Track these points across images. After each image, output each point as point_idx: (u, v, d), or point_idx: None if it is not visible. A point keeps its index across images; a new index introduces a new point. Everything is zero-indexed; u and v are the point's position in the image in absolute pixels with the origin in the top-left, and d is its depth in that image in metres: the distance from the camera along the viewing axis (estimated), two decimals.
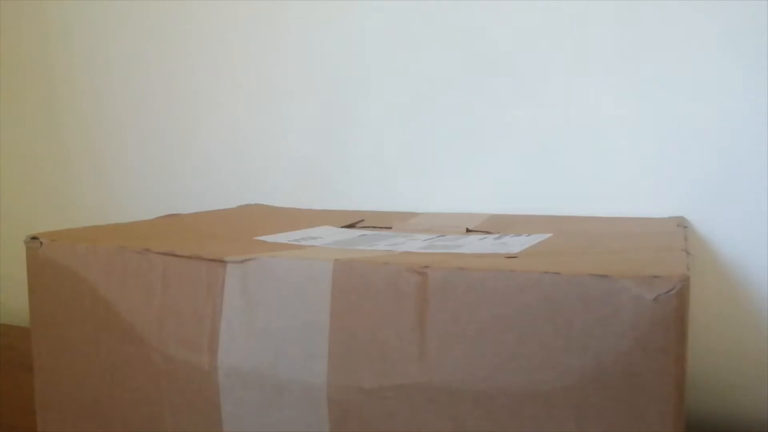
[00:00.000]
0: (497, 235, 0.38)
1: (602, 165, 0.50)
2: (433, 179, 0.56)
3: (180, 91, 0.65)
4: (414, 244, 0.35)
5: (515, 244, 0.34)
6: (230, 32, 0.62)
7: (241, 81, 0.62)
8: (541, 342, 0.24)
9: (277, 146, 0.61)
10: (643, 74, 0.48)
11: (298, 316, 0.29)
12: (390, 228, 0.44)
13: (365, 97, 0.57)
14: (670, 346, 0.22)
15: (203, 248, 0.33)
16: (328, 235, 0.39)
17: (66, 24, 0.68)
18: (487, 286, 0.25)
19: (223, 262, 0.31)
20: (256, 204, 0.60)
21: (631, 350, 0.23)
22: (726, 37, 0.46)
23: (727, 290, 0.47)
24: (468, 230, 0.42)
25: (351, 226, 0.46)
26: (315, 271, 0.28)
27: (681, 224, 0.41)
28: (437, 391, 0.26)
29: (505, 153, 0.53)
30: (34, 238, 0.36)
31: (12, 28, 0.70)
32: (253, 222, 0.47)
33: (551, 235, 0.37)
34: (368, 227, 0.45)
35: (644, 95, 0.48)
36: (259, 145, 0.62)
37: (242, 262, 0.30)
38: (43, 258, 0.36)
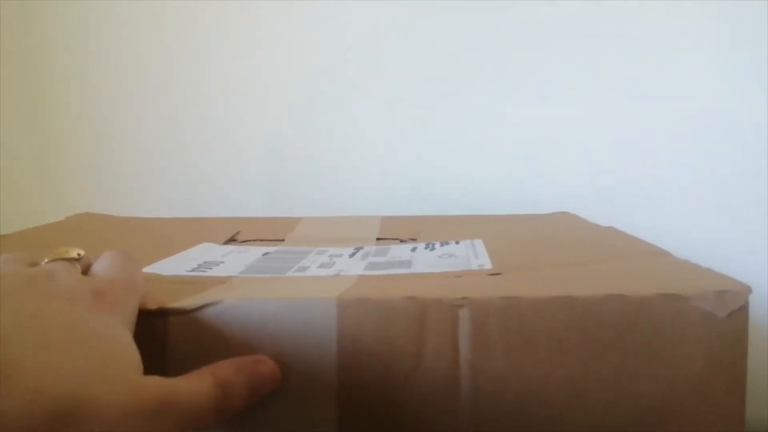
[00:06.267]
0: (426, 244, 0.35)
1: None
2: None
3: (179, 93, 0.57)
4: (351, 263, 0.31)
5: (464, 255, 0.32)
6: (216, 33, 0.56)
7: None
8: (607, 371, 0.22)
9: None
10: (643, 75, 0.48)
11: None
12: (282, 240, 0.38)
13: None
14: (739, 360, 0.22)
15: None
16: (226, 259, 0.32)
17: (60, 32, 0.59)
18: (544, 315, 0.22)
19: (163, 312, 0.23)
20: (85, 213, 0.48)
21: (702, 370, 0.22)
22: (726, 39, 0.47)
23: None
24: (378, 239, 0.38)
25: (232, 240, 0.39)
26: (315, 315, 0.22)
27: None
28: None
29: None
30: None
31: (11, 29, 0.59)
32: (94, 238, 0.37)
33: (481, 240, 0.35)
34: (253, 240, 0.38)
35: (644, 96, 0.48)
36: None
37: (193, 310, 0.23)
38: None
